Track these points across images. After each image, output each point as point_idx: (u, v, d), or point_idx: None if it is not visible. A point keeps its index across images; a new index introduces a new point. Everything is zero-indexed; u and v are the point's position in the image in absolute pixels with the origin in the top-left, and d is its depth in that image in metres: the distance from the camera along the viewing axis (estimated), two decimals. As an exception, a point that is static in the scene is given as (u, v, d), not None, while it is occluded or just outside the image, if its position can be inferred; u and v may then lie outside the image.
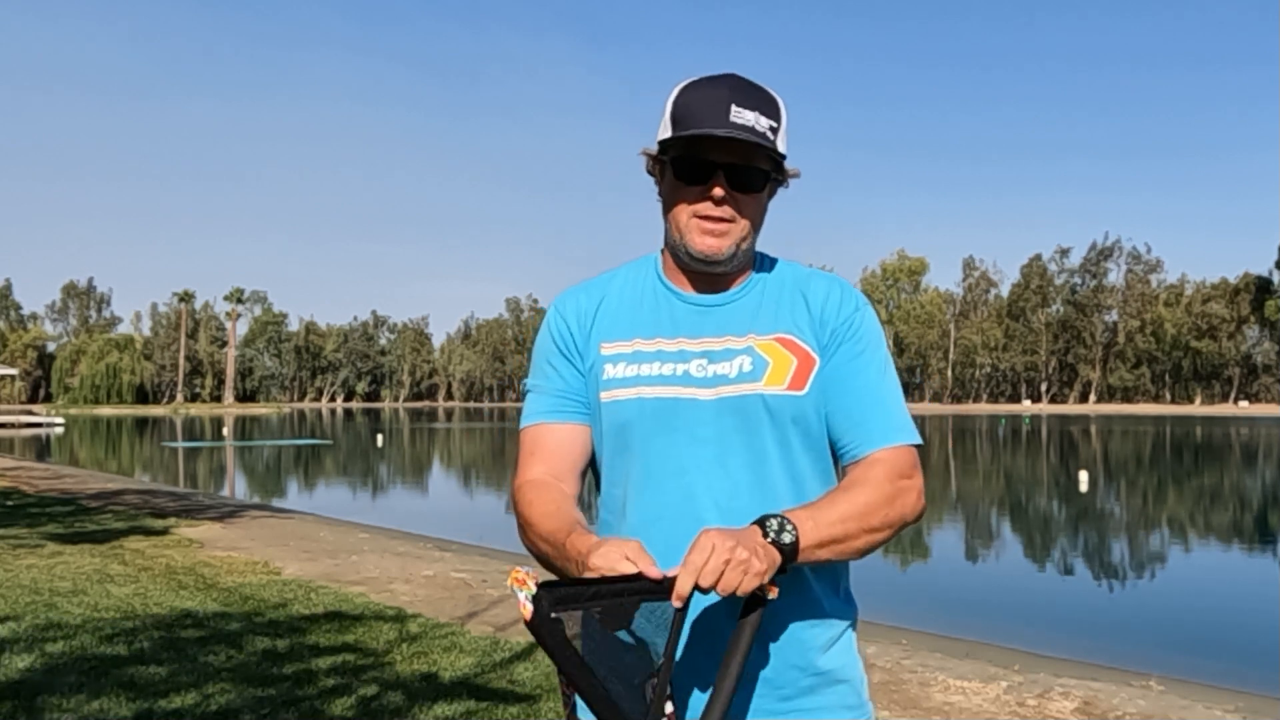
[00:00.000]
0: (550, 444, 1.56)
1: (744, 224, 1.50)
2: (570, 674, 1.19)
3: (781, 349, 1.52)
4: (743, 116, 1.44)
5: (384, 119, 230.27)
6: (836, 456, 1.55)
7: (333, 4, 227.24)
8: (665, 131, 1.49)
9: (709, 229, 1.49)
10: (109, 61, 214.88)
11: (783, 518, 1.34)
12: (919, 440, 1.54)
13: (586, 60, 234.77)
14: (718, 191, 1.47)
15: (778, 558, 1.30)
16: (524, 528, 1.49)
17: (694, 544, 1.25)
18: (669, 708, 1.27)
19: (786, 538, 1.32)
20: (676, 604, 1.22)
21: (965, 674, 6.13)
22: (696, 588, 1.23)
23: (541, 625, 1.16)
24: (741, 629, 1.30)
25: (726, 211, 1.48)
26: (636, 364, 1.53)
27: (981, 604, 10.19)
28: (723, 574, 1.23)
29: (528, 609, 1.16)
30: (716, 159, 1.46)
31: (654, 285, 1.60)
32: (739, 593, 1.24)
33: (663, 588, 1.24)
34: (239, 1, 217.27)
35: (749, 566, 1.24)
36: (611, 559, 1.26)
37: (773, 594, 1.29)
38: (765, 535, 1.32)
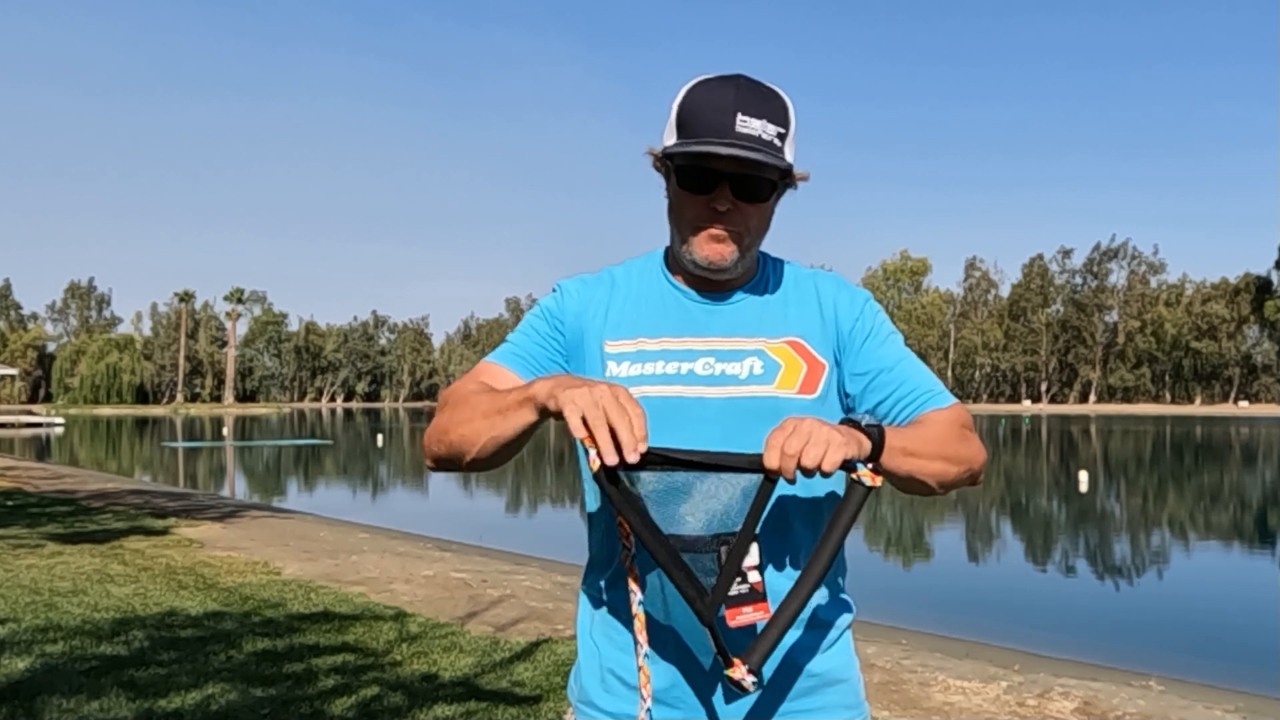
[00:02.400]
0: (503, 383, 1.51)
1: (749, 232, 1.49)
2: (633, 525, 1.23)
3: (792, 353, 1.52)
4: (749, 126, 1.41)
5: (384, 118, 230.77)
6: None
7: (332, 3, 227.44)
8: (671, 136, 1.47)
9: (714, 237, 1.48)
10: (109, 61, 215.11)
11: (875, 424, 1.35)
12: None
13: (586, 59, 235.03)
14: (723, 203, 1.45)
15: (865, 440, 1.30)
16: (460, 403, 1.43)
17: (778, 426, 1.25)
18: (754, 577, 1.30)
19: (869, 420, 1.34)
20: (770, 474, 1.25)
21: (965, 674, 6.13)
22: (780, 471, 1.23)
23: (606, 477, 1.22)
24: (841, 510, 1.29)
25: (732, 221, 1.47)
26: (640, 363, 1.52)
27: (981, 604, 10.18)
28: (804, 448, 1.22)
29: (595, 462, 1.21)
30: (722, 169, 1.43)
31: (660, 283, 1.59)
32: (824, 466, 1.22)
33: (749, 462, 1.26)
34: (238, 1, 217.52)
35: (831, 439, 1.23)
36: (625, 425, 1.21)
37: (874, 481, 1.28)
38: (851, 421, 1.33)
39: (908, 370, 1.55)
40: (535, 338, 1.58)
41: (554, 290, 1.63)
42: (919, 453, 1.39)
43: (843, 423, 1.33)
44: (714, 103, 1.42)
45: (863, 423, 1.33)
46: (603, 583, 1.56)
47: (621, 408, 1.22)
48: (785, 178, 1.48)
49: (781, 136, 1.44)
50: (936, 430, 1.45)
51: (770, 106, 1.44)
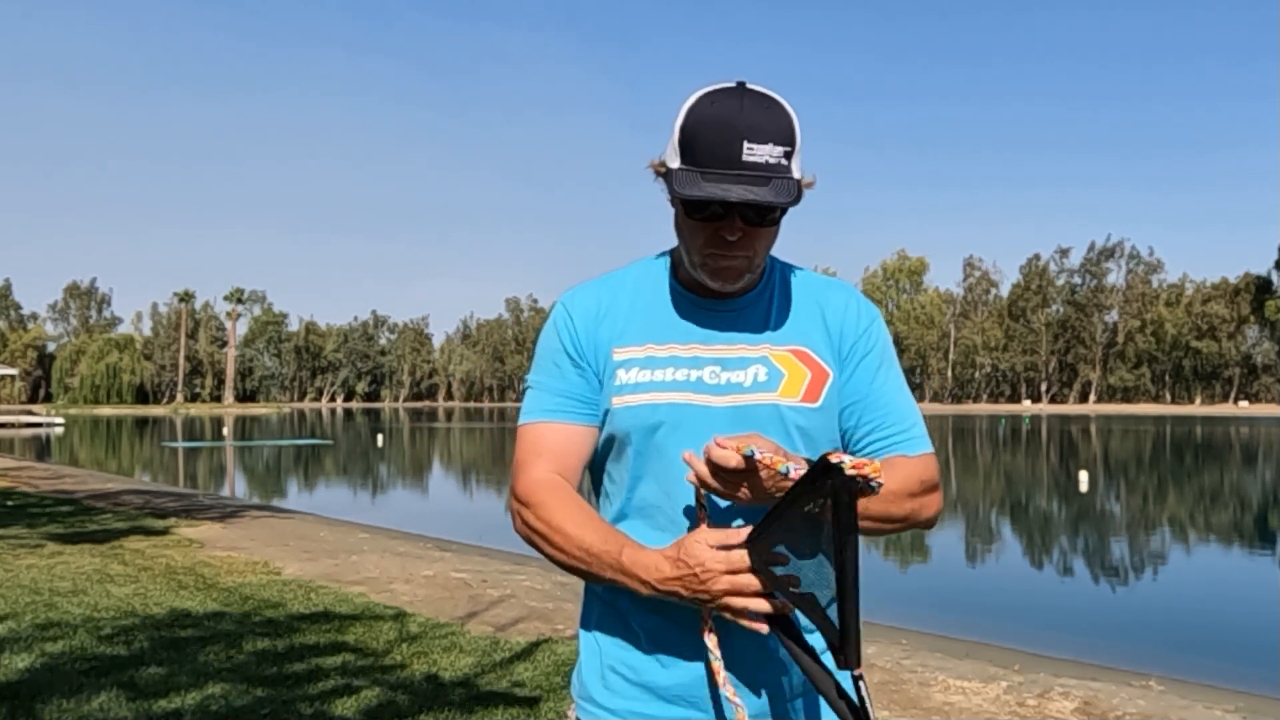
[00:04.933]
0: (554, 442, 1.53)
1: (759, 253, 1.48)
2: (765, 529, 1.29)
3: (797, 361, 1.52)
4: (755, 153, 1.38)
5: (383, 117, 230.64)
6: None
7: (331, 2, 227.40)
8: (674, 157, 1.44)
9: (724, 264, 1.47)
10: (108, 61, 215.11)
11: None
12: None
13: (585, 58, 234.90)
14: (732, 232, 1.43)
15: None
16: (553, 532, 1.45)
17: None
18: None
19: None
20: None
21: (965, 674, 6.13)
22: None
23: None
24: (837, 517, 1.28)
25: (742, 247, 1.45)
26: (649, 369, 1.51)
27: (981, 604, 10.18)
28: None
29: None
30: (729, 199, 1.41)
31: (666, 288, 1.58)
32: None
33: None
34: (237, 1, 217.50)
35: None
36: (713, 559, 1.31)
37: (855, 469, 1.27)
38: None
39: (893, 404, 1.55)
40: (562, 380, 1.55)
41: (560, 308, 1.60)
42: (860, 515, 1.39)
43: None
44: (718, 129, 1.39)
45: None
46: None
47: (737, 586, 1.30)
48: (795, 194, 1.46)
49: (789, 155, 1.42)
50: (899, 484, 1.44)
51: (776, 125, 1.41)
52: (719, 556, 1.30)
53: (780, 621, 1.34)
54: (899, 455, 1.52)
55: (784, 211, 1.46)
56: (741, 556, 1.29)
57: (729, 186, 1.38)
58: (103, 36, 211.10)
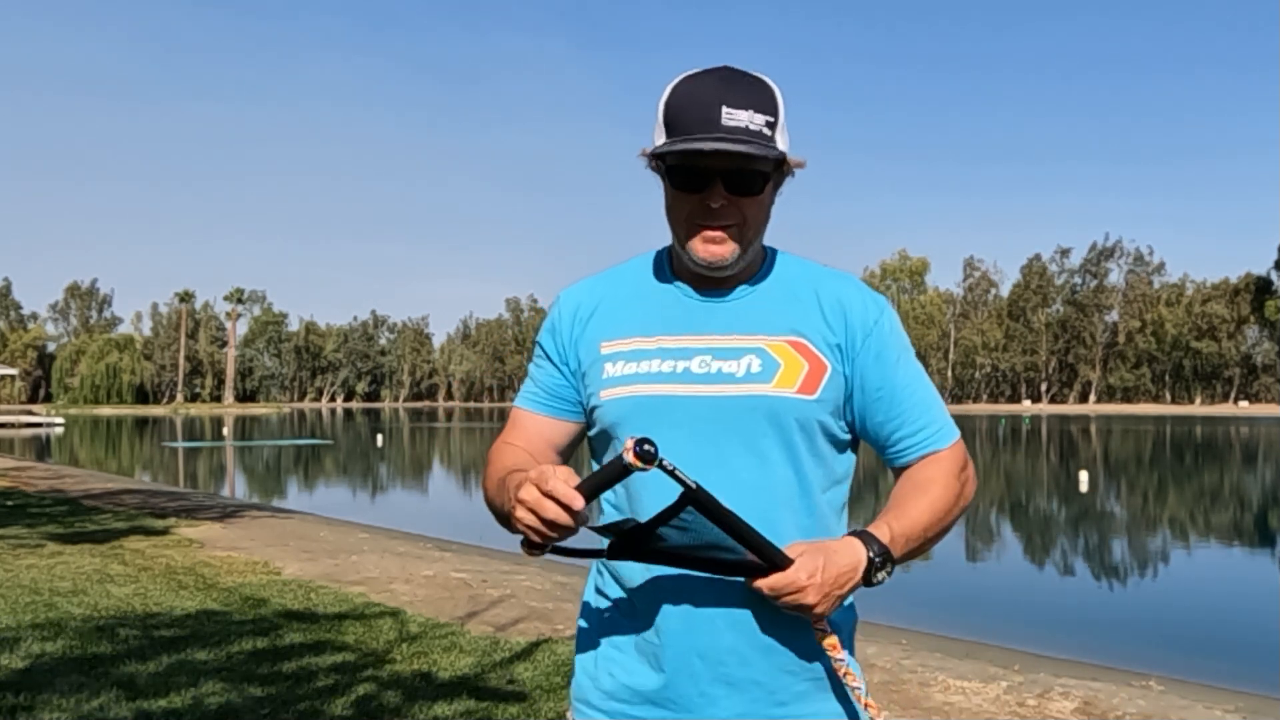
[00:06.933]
0: (525, 426, 1.63)
1: (747, 227, 1.47)
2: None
3: (793, 352, 1.49)
4: (735, 118, 1.39)
5: (383, 119, 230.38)
6: (886, 458, 1.55)
7: (331, 5, 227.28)
8: (660, 135, 1.45)
9: (711, 238, 1.46)
10: (110, 63, 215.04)
11: (886, 553, 1.39)
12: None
13: (585, 61, 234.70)
14: (716, 200, 1.43)
15: (858, 584, 1.40)
16: (485, 478, 1.57)
17: (816, 565, 1.34)
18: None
19: (881, 577, 1.40)
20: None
21: (965, 674, 6.13)
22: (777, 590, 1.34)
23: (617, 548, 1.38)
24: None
25: (727, 217, 1.44)
26: (635, 362, 1.51)
27: (981, 604, 10.18)
28: (819, 600, 1.36)
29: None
30: (713, 165, 1.41)
31: (660, 281, 1.57)
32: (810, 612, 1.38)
33: (769, 558, 1.34)
34: (239, 3, 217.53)
35: (841, 596, 1.38)
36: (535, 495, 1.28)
37: (827, 643, 1.45)
38: (867, 565, 1.38)
39: (916, 398, 1.53)
40: (546, 371, 1.62)
41: (555, 306, 1.64)
42: (916, 552, 1.46)
43: (855, 535, 1.40)
44: (698, 98, 1.41)
45: (870, 579, 1.39)
46: (601, 582, 1.56)
47: (532, 509, 1.28)
48: (779, 167, 1.46)
49: (771, 125, 1.42)
50: (942, 501, 1.49)
51: (756, 95, 1.42)
52: (560, 478, 1.26)
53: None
54: (932, 452, 1.52)
55: (773, 183, 1.47)
56: (570, 493, 1.25)
57: (707, 143, 1.39)
58: (104, 39, 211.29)
